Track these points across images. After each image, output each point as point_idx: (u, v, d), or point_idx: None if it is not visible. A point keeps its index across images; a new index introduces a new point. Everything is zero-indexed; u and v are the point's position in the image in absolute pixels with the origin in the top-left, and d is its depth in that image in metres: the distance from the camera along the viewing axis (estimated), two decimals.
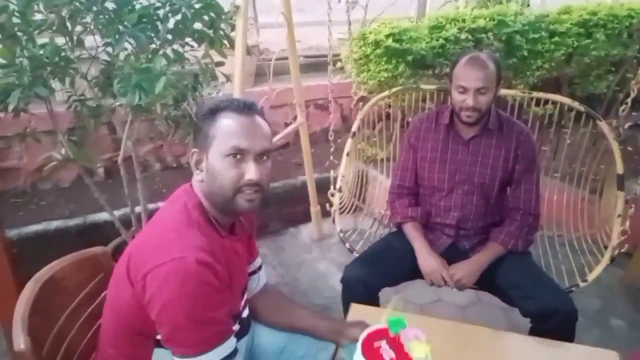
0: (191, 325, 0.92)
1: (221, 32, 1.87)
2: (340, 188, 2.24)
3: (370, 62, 2.91)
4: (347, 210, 2.33)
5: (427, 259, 1.70)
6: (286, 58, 2.60)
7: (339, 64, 3.49)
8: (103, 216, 2.54)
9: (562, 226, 2.29)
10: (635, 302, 2.52)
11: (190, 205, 1.03)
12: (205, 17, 1.78)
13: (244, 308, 1.19)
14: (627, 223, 1.88)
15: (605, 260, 1.85)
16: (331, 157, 2.49)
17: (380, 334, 1.13)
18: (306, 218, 3.11)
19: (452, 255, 1.77)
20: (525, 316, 1.58)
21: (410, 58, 2.87)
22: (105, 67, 1.82)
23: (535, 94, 2.28)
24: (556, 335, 1.43)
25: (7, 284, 1.81)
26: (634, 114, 4.51)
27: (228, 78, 2.09)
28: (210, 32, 1.83)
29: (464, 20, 3.07)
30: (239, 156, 1.01)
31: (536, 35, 3.24)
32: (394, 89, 2.45)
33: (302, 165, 2.88)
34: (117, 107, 1.95)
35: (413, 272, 1.74)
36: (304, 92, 2.77)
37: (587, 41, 3.45)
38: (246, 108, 1.04)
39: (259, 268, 1.31)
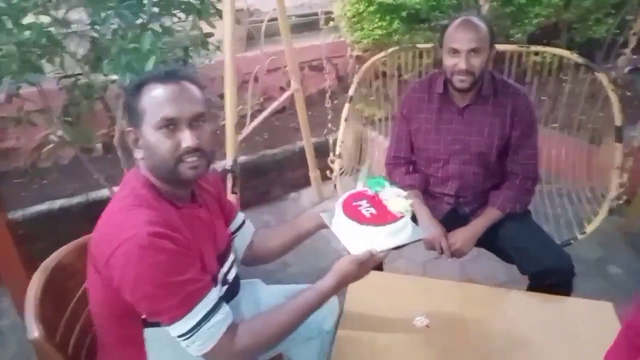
0: (164, 293, 0.93)
1: (208, 1, 1.82)
2: (340, 154, 2.24)
3: (364, 19, 2.85)
4: (348, 174, 2.34)
5: (428, 226, 1.70)
6: (277, 19, 2.53)
7: (332, 23, 3.41)
8: (105, 192, 2.56)
9: (561, 178, 2.30)
10: (634, 249, 2.56)
11: (139, 186, 1.03)
12: None
13: (229, 271, 1.20)
14: (626, 176, 1.89)
15: (604, 212, 1.88)
16: (329, 125, 2.49)
17: (360, 195, 1.16)
18: (307, 183, 3.12)
19: (452, 220, 1.78)
20: (524, 274, 1.62)
21: (404, 13, 2.80)
22: (93, 45, 1.79)
23: (534, 48, 2.24)
24: (553, 291, 1.48)
25: (15, 269, 1.86)
26: (634, 57, 4.43)
27: (218, 47, 2.05)
28: (197, 2, 1.78)
29: None
30: (171, 126, 0.99)
31: None
32: (390, 50, 2.41)
33: (300, 130, 2.87)
34: (109, 84, 1.93)
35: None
36: (297, 55, 2.72)
37: None
38: (169, 75, 1.01)
39: (243, 223, 1.33)
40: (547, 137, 2.38)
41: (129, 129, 1.04)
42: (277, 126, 3.53)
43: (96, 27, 1.66)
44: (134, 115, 1.02)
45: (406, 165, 1.87)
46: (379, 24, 2.80)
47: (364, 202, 1.13)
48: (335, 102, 3.67)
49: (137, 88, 1.01)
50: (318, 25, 2.39)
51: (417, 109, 1.78)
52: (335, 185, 2.17)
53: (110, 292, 0.97)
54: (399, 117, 1.85)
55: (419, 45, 2.39)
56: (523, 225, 1.72)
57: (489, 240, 1.72)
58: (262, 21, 2.59)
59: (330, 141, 2.30)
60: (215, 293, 1.02)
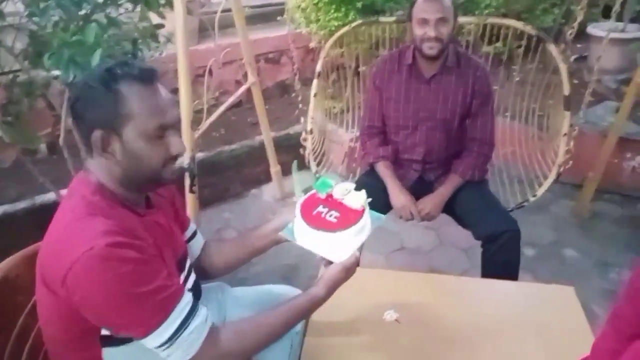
0: (134, 305, 0.87)
1: None
2: (311, 130, 2.26)
3: (319, 10, 2.81)
4: (317, 154, 2.33)
5: (398, 196, 1.85)
6: (231, 10, 2.45)
7: (286, 15, 3.34)
8: (53, 196, 2.42)
9: (513, 161, 2.46)
10: (586, 232, 2.67)
11: (88, 193, 0.94)
12: None
13: (188, 277, 1.14)
14: (572, 143, 2.08)
15: (553, 175, 2.05)
16: (299, 107, 2.45)
17: (314, 201, 1.12)
18: (268, 178, 3.06)
19: (419, 187, 1.94)
20: (478, 239, 1.76)
21: (359, 4, 2.79)
22: (32, 39, 1.66)
23: (490, 19, 2.40)
24: (504, 254, 1.65)
25: None
26: (578, 46, 4.62)
27: (169, 39, 1.96)
28: None
29: None
30: (162, 133, 0.95)
31: None
32: (354, 24, 2.44)
33: (258, 125, 2.80)
34: (52, 81, 1.80)
35: (385, 207, 1.87)
36: (252, 47, 2.65)
37: None
38: (150, 76, 0.94)
39: (195, 233, 1.26)
40: (500, 125, 2.45)
41: (98, 130, 0.92)
42: (234, 121, 3.44)
43: (35, 19, 1.54)
44: (108, 116, 0.91)
45: (379, 135, 2.00)
46: (335, 15, 2.77)
47: (322, 208, 1.09)
48: (293, 95, 3.64)
49: (110, 86, 0.91)
50: (273, 17, 2.33)
51: (388, 79, 1.93)
52: (308, 163, 2.20)
53: (65, 312, 0.90)
54: (371, 88, 1.98)
55: (382, 19, 2.47)
56: (477, 193, 1.89)
57: (449, 207, 1.88)
58: (214, 12, 2.50)
59: (302, 122, 2.29)
60: (189, 296, 0.96)
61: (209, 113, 2.18)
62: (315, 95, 2.36)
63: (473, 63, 1.87)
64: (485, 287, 1.51)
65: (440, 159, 1.95)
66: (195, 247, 1.25)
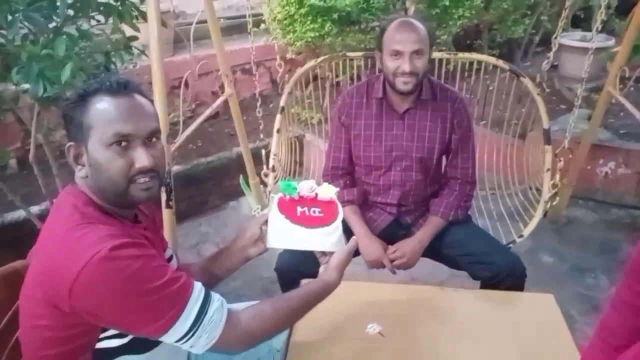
0: (150, 300, 0.86)
1: (129, 2, 1.69)
2: (273, 167, 2.13)
3: (296, 22, 2.81)
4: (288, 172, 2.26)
5: (368, 247, 1.66)
6: (205, 21, 2.43)
7: (262, 26, 3.34)
8: (22, 213, 2.33)
9: (493, 179, 2.33)
10: (561, 238, 2.71)
11: (80, 203, 0.92)
12: None
13: None
14: (557, 176, 1.94)
15: (539, 214, 1.92)
16: (261, 135, 2.38)
17: (288, 206, 1.16)
18: None
19: (394, 231, 1.75)
20: (475, 279, 1.63)
21: (335, 16, 2.80)
22: (0, 52, 1.61)
23: (461, 55, 2.25)
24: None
25: None
26: (548, 54, 4.74)
27: (143, 51, 1.92)
28: (117, 3, 1.65)
29: None
30: (124, 143, 0.91)
31: None
32: (320, 59, 2.30)
33: (236, 136, 2.77)
34: (21, 95, 1.75)
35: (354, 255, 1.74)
36: (228, 59, 2.62)
37: None
38: (121, 87, 0.93)
39: (172, 257, 1.20)
40: (478, 136, 2.44)
41: (70, 143, 0.94)
42: (211, 133, 3.40)
43: (2, 32, 1.49)
44: (76, 129, 0.92)
45: (344, 177, 1.78)
46: (311, 26, 2.78)
47: (302, 208, 1.15)
48: (271, 105, 3.62)
49: (81, 99, 0.91)
50: (248, 28, 2.31)
51: (355, 114, 1.71)
52: (269, 201, 2.08)
53: (67, 327, 0.87)
54: (336, 125, 1.77)
55: (350, 54, 2.30)
56: (468, 230, 1.72)
57: (434, 250, 1.70)
58: (189, 24, 2.49)
59: (264, 155, 2.16)
60: (200, 284, 0.96)
61: (186, 125, 2.14)
62: (278, 131, 2.19)
63: (450, 94, 1.68)
64: (466, 296, 1.51)
65: (417, 201, 1.76)
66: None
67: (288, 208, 1.14)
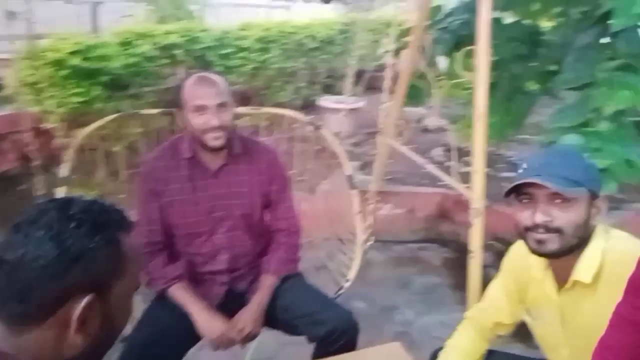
0: None
1: None
2: None
3: (55, 86, 2.37)
4: None
5: (209, 323, 1.49)
6: None
7: (5, 91, 2.71)
8: None
9: (310, 249, 2.34)
10: (363, 280, 2.83)
11: None
12: None
13: None
14: (372, 218, 2.05)
15: (358, 256, 1.98)
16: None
17: None
18: None
19: (229, 302, 1.60)
20: (313, 341, 1.53)
21: (105, 79, 2.47)
22: None
23: (266, 110, 2.30)
24: (340, 352, 1.43)
25: None
26: (312, 116, 5.26)
27: None
28: None
29: (154, 36, 2.86)
30: None
31: (225, 51, 3.32)
32: (107, 118, 1.90)
33: None
34: None
35: (193, 339, 1.49)
36: None
37: (267, 55, 3.76)
38: None
39: None
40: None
41: None
42: None
43: None
44: None
45: (163, 252, 1.57)
46: (76, 90, 2.37)
47: None
48: (22, 187, 2.91)
49: None
50: None
51: (164, 179, 1.54)
52: None
53: None
54: (144, 194, 1.55)
55: (143, 112, 2.03)
56: (300, 289, 1.65)
57: (269, 317, 1.57)
58: None
59: None
60: None
61: None
62: None
63: (262, 147, 1.67)
64: None
65: (248, 263, 1.66)
66: None
67: None
